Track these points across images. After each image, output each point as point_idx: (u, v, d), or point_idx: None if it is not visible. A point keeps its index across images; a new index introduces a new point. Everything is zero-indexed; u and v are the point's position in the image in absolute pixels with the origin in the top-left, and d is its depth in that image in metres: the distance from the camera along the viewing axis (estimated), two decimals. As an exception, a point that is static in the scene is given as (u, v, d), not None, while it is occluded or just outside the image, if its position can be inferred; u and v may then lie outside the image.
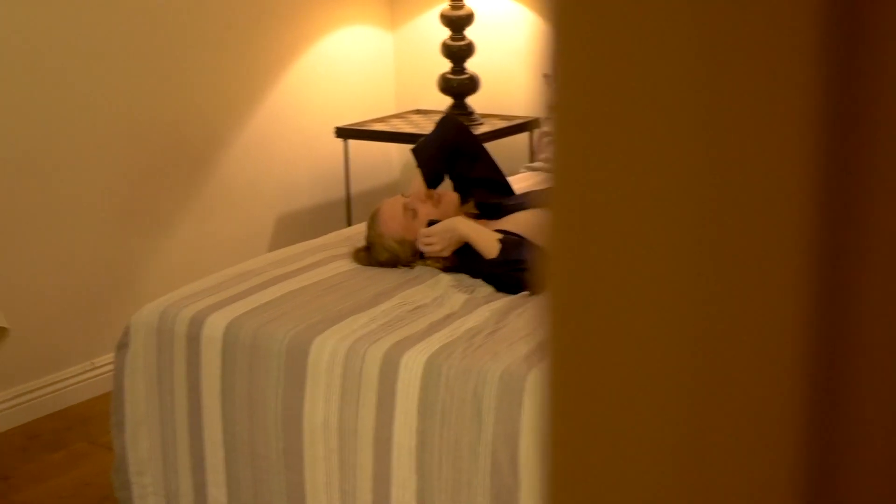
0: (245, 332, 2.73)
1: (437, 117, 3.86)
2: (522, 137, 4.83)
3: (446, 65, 4.75)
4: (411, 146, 3.53)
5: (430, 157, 3.36)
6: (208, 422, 2.78)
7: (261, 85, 4.57)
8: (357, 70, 5.05)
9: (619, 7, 0.41)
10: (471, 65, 4.75)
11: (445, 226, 3.09)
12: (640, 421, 0.44)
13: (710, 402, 0.43)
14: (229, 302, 2.87)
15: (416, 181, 3.33)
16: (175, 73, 4.18)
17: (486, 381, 2.44)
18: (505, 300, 2.86)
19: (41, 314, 3.80)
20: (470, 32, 4.72)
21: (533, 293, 2.79)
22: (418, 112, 5.09)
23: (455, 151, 3.39)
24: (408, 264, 3.14)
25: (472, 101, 4.78)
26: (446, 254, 3.09)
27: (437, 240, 3.08)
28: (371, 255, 3.17)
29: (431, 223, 3.13)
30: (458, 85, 4.73)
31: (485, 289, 2.95)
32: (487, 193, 3.37)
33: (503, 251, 2.93)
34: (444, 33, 4.73)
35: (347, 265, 3.17)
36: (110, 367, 3.08)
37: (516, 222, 3.12)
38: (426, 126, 4.58)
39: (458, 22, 4.69)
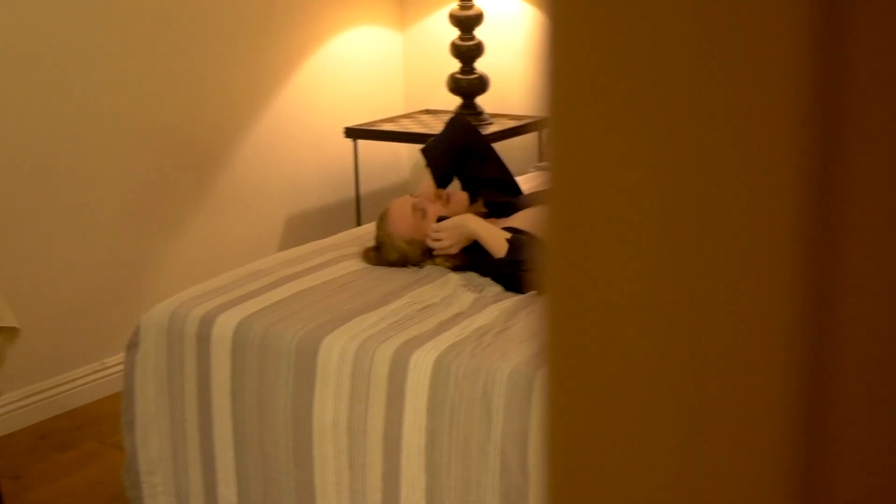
0: (255, 332, 2.74)
1: (447, 117, 3.86)
2: (531, 137, 4.84)
3: (455, 65, 4.75)
4: (421, 146, 3.53)
5: (440, 157, 3.37)
6: (218, 421, 2.79)
7: (270, 85, 4.58)
8: (366, 70, 5.06)
9: (614, 9, 0.42)
10: (480, 65, 4.75)
11: (455, 222, 3.09)
12: (635, 420, 0.45)
13: (705, 402, 0.43)
14: (239, 301, 2.87)
15: (426, 181, 3.34)
16: (185, 75, 4.19)
17: (495, 379, 2.44)
18: (514, 299, 2.86)
19: (52, 315, 3.81)
20: (479, 32, 4.72)
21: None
22: (427, 112, 5.09)
23: (464, 152, 3.39)
24: (417, 264, 3.14)
25: (481, 100, 4.78)
26: (455, 250, 3.09)
27: (446, 235, 3.09)
28: (380, 254, 3.18)
29: (440, 220, 3.14)
30: (468, 85, 4.74)
31: (493, 288, 2.95)
32: (496, 194, 3.38)
33: (511, 251, 2.93)
34: (454, 33, 4.74)
35: (357, 265, 3.18)
36: (121, 367, 3.08)
37: (525, 219, 3.13)
38: (435, 126, 4.58)
39: (467, 22, 4.69)
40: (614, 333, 0.45)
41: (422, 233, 3.14)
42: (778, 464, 0.42)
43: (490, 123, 4.70)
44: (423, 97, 5.19)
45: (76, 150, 3.82)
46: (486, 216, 3.21)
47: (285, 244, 4.57)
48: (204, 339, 2.79)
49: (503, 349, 2.54)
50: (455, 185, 3.43)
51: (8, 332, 2.86)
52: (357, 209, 4.85)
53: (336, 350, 2.63)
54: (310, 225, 4.78)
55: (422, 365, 2.53)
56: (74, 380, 3.91)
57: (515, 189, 3.46)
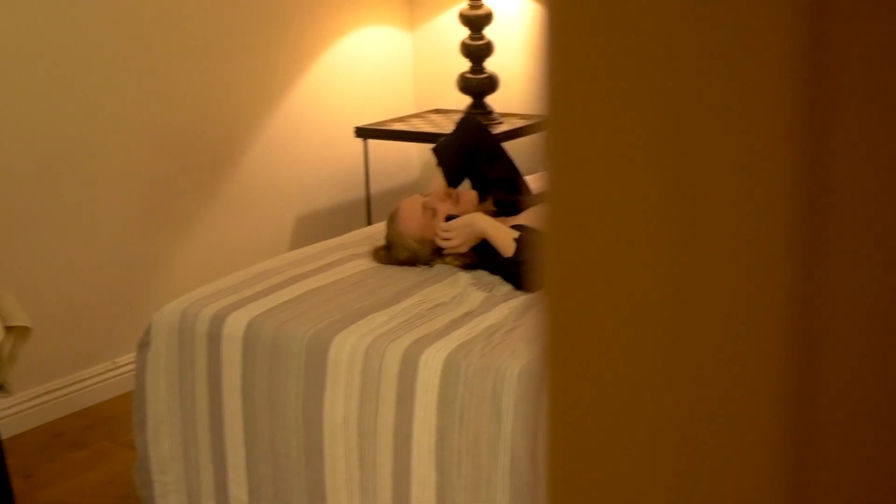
0: (265, 331, 2.74)
1: (457, 117, 3.87)
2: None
3: (465, 64, 4.76)
4: (431, 145, 3.53)
5: (451, 156, 3.37)
6: (229, 420, 2.80)
7: (280, 86, 4.59)
8: (376, 70, 5.06)
9: (611, 11, 0.42)
10: (490, 64, 4.75)
11: (464, 221, 3.10)
12: (632, 419, 0.45)
13: (697, 402, 0.44)
14: (250, 301, 2.88)
15: (437, 180, 3.34)
16: (196, 76, 4.20)
17: (504, 378, 2.44)
18: (523, 298, 2.86)
19: (64, 314, 3.83)
20: (489, 32, 4.72)
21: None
22: (437, 111, 5.10)
23: (475, 151, 3.39)
24: (427, 263, 3.15)
25: (492, 100, 4.79)
26: (464, 249, 3.10)
27: (455, 234, 3.09)
28: (390, 253, 3.18)
29: (450, 219, 3.14)
30: (478, 84, 4.74)
31: (503, 287, 2.95)
32: (507, 193, 3.38)
33: (519, 249, 2.93)
34: (463, 33, 4.74)
35: (367, 264, 3.18)
36: (132, 366, 3.10)
37: (534, 217, 3.13)
38: (446, 125, 4.58)
39: (476, 21, 4.69)
40: (610, 331, 0.45)
41: (432, 232, 3.14)
42: (770, 456, 0.42)
43: (500, 123, 4.70)
44: (433, 97, 5.19)
45: (87, 151, 3.83)
46: (495, 215, 3.21)
47: (295, 244, 4.58)
48: (214, 338, 2.80)
49: (513, 348, 2.54)
50: (465, 185, 3.43)
51: (20, 332, 2.87)
52: (367, 209, 4.85)
53: (346, 349, 2.63)
54: (320, 224, 4.79)
55: (432, 364, 2.53)
56: (86, 379, 3.92)
57: (526, 189, 3.46)
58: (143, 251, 4.07)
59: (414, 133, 4.74)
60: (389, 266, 3.15)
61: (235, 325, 2.79)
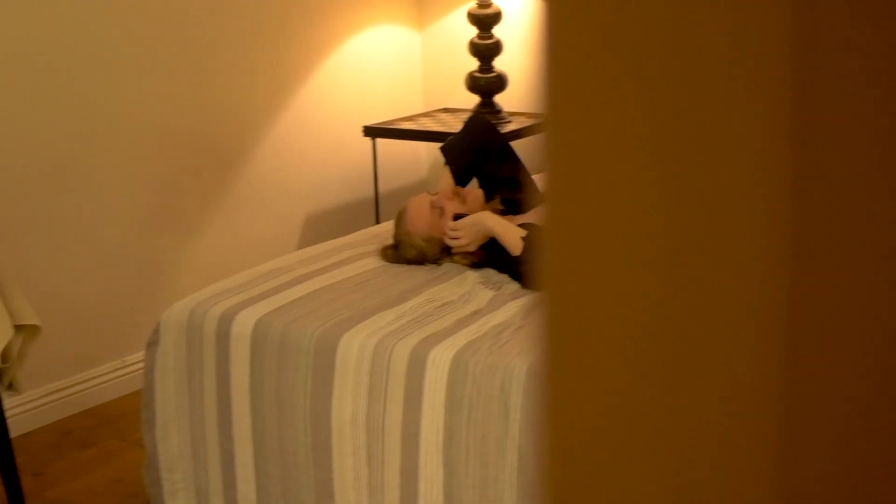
0: (274, 330, 2.75)
1: (465, 116, 3.87)
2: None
3: (474, 63, 4.76)
4: (439, 144, 3.53)
5: (459, 155, 3.37)
6: (237, 418, 2.80)
7: (289, 85, 4.60)
8: (385, 69, 5.07)
9: (608, 11, 0.43)
10: (498, 63, 4.75)
11: (473, 220, 3.10)
12: (629, 419, 0.46)
13: (693, 400, 0.44)
14: (258, 299, 2.88)
15: (445, 179, 3.34)
16: (204, 74, 4.21)
17: (512, 376, 2.44)
18: (531, 296, 2.87)
19: (73, 313, 3.83)
20: (497, 31, 4.72)
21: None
22: (446, 111, 5.10)
23: (483, 150, 3.39)
24: (435, 261, 3.15)
25: (500, 99, 4.79)
26: (472, 248, 3.10)
27: (463, 233, 3.09)
28: (398, 252, 3.18)
29: (458, 218, 3.14)
30: (486, 83, 4.74)
31: (511, 285, 2.95)
32: (514, 192, 3.38)
33: (527, 249, 2.94)
34: (472, 32, 4.74)
35: (375, 263, 3.19)
36: (141, 364, 3.10)
37: (541, 215, 3.13)
38: (454, 124, 4.58)
39: (485, 20, 4.69)
40: (608, 331, 0.45)
41: (439, 230, 3.14)
42: (764, 454, 0.43)
43: (508, 122, 4.70)
44: (442, 96, 5.20)
45: (97, 151, 3.84)
46: (502, 213, 3.22)
47: (304, 243, 4.58)
48: (223, 336, 2.80)
49: (521, 346, 2.54)
50: (473, 184, 3.43)
51: (29, 330, 2.88)
52: (376, 207, 4.85)
53: (354, 347, 2.63)
54: (329, 223, 4.79)
55: (440, 362, 2.53)
56: (95, 377, 3.93)
57: (533, 187, 3.46)
58: (151, 250, 4.08)
59: (422, 132, 4.74)
60: (397, 265, 3.16)
61: (244, 324, 2.79)
